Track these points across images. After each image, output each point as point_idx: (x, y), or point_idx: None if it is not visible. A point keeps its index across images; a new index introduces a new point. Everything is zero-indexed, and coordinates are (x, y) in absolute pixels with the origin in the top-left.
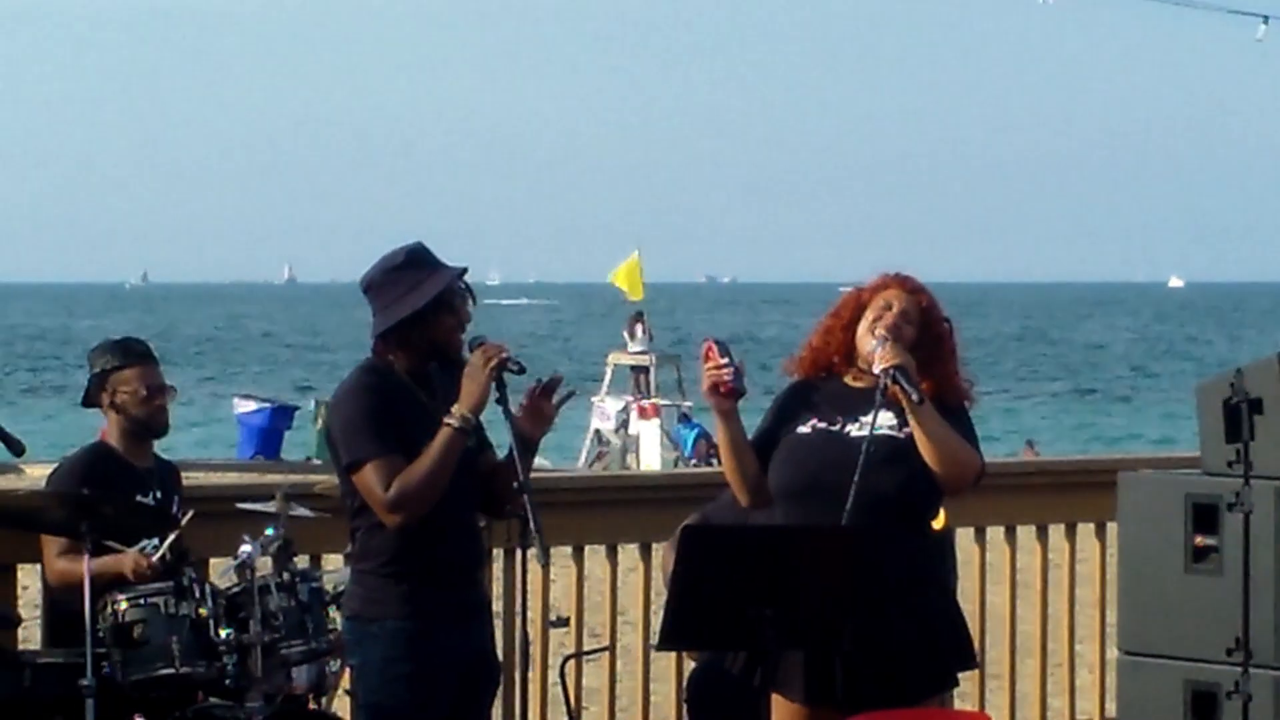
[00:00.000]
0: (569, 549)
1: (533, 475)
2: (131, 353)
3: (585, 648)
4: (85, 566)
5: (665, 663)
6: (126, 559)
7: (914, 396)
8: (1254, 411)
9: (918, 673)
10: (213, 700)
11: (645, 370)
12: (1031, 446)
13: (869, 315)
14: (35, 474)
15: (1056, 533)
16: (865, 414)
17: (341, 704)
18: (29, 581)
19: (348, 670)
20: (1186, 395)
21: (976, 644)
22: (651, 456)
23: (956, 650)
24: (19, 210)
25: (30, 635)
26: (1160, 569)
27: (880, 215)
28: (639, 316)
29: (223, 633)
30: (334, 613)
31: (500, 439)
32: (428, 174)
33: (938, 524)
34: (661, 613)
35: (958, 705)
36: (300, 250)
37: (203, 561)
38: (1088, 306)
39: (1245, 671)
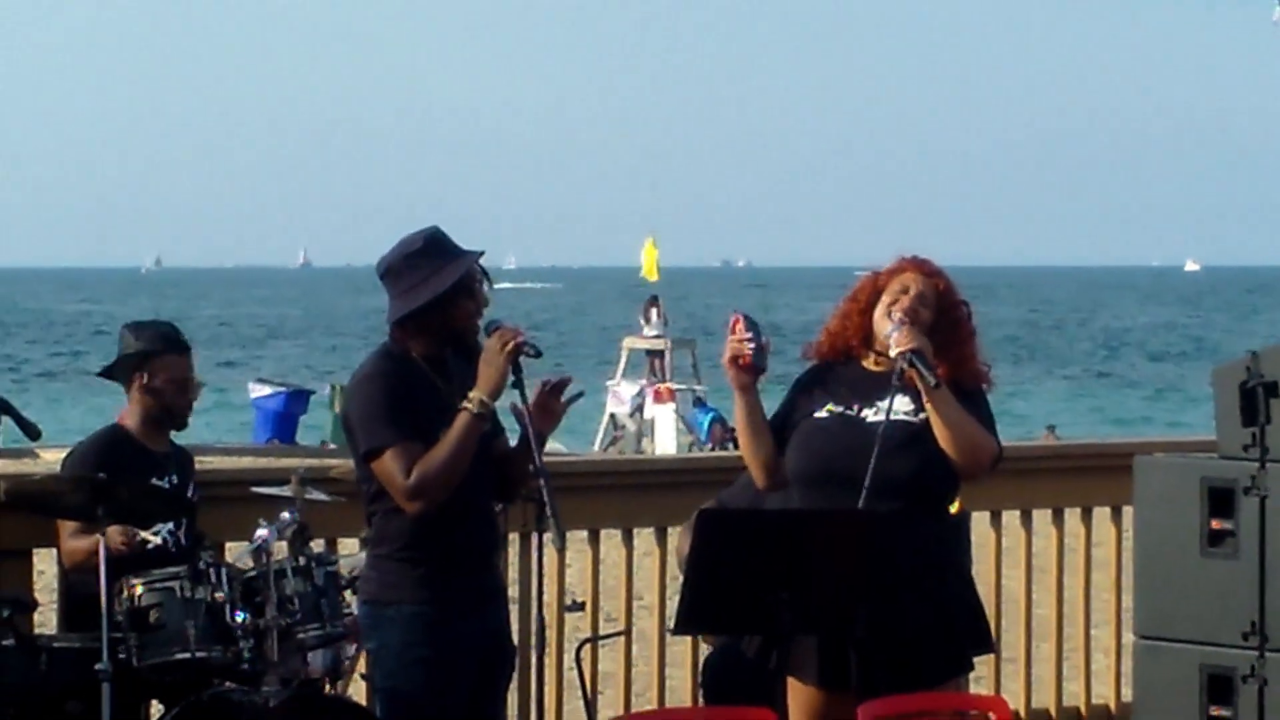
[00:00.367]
0: (584, 533)
1: (547, 459)
2: (175, 342)
3: (601, 632)
4: (101, 549)
5: (681, 647)
6: (114, 531)
7: (930, 380)
8: (1270, 395)
9: (933, 657)
10: (228, 684)
11: (660, 354)
12: (1052, 431)
13: (886, 299)
14: (50, 458)
15: (1072, 516)
16: (882, 398)
17: (357, 688)
18: (45, 566)
19: (363, 654)
20: (1203, 379)
21: (992, 628)
22: (666, 441)
23: (972, 634)
24: (32, 195)
25: (46, 619)
26: (1176, 553)
27: (896, 200)
28: (654, 300)
29: (239, 617)
30: (350, 597)
31: (512, 423)
32: (444, 159)
33: (953, 508)
34: (677, 597)
35: (973, 689)
36: (316, 234)
37: (219, 545)
38: (1103, 291)
39: (1261, 655)
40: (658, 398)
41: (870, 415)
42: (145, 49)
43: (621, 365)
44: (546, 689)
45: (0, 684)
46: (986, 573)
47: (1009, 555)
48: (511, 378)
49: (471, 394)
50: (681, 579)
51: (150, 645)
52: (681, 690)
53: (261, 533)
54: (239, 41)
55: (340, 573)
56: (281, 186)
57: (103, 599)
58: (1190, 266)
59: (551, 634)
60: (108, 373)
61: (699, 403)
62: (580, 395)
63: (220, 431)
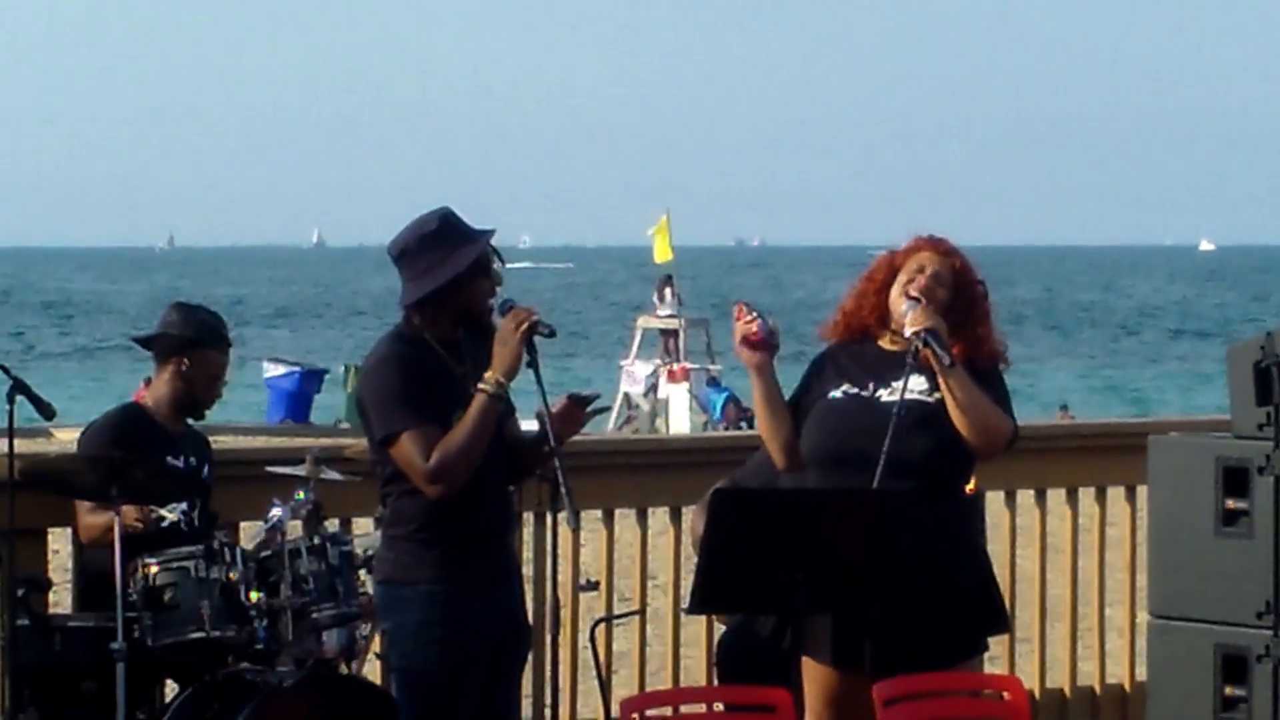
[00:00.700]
0: (599, 513)
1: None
2: (220, 336)
3: (615, 611)
4: (116, 527)
5: (695, 626)
6: (128, 509)
7: (945, 360)
8: None
9: (947, 638)
10: (243, 664)
11: (674, 334)
12: (1066, 411)
13: (902, 278)
14: (64, 437)
15: (1086, 496)
16: (897, 378)
17: (372, 668)
18: (59, 545)
19: (378, 634)
20: (1217, 359)
21: (1007, 608)
22: (680, 420)
23: (987, 615)
24: (40, 174)
25: (61, 599)
26: (1190, 532)
27: (909, 179)
28: (668, 280)
29: (253, 596)
30: (364, 576)
31: (523, 406)
32: (459, 138)
33: (968, 487)
34: (691, 576)
35: (987, 669)
36: (329, 214)
37: (233, 525)
38: (1119, 270)
39: (1276, 634)
40: (671, 377)
41: (885, 395)
42: (158, 28)
43: (635, 345)
44: (561, 669)
45: (15, 663)
46: (1001, 552)
47: (1023, 535)
48: (526, 357)
49: (487, 375)
50: (696, 558)
51: (165, 625)
52: (696, 670)
53: (276, 512)
54: (252, 20)
55: (355, 552)
56: (295, 165)
57: (117, 579)
58: (1205, 246)
59: (566, 613)
60: (145, 343)
61: (713, 382)
62: (602, 411)
63: (234, 411)
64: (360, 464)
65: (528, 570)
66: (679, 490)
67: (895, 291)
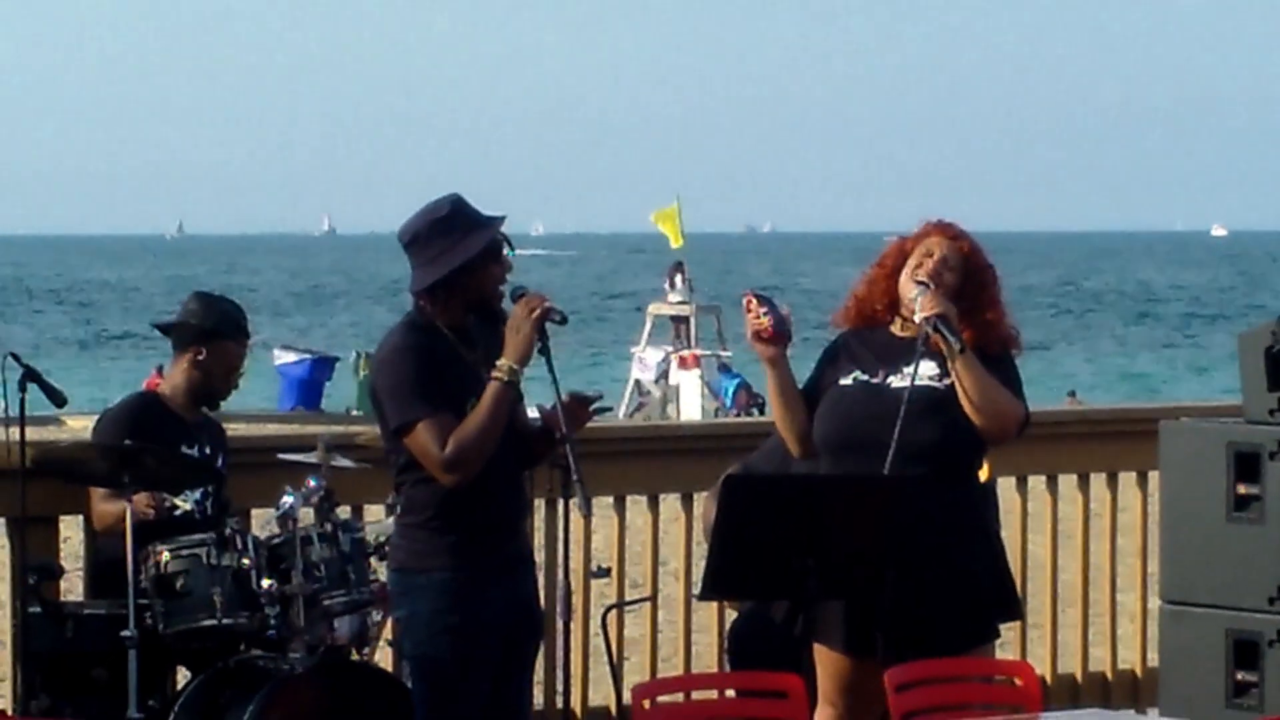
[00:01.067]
0: (610, 499)
1: None
2: (240, 328)
3: (626, 598)
4: (128, 520)
5: (707, 613)
6: (141, 496)
7: (955, 345)
8: None
9: (958, 625)
10: (255, 651)
11: (685, 320)
12: (1074, 396)
13: (911, 263)
14: (76, 425)
15: (1098, 482)
16: (908, 364)
17: (383, 655)
18: (71, 533)
19: (390, 621)
20: (1229, 344)
21: (1019, 595)
22: (692, 407)
23: (999, 602)
24: (52, 162)
25: (73, 586)
26: (1202, 518)
27: (921, 164)
28: (679, 266)
29: (265, 583)
30: (376, 563)
31: (535, 393)
32: (471, 125)
33: (983, 474)
34: (703, 563)
35: (999, 654)
36: (340, 201)
37: (245, 512)
38: (1129, 255)
39: None
40: (683, 364)
41: (895, 381)
42: (168, 17)
43: (646, 331)
44: (572, 655)
45: (27, 651)
46: (1012, 538)
47: (1035, 520)
48: (538, 344)
49: (500, 362)
50: (707, 545)
51: (176, 612)
52: (707, 656)
53: (287, 499)
54: (262, 7)
55: (366, 539)
56: (306, 153)
57: (129, 566)
58: (1217, 231)
59: (577, 600)
60: (164, 330)
61: (724, 368)
62: (607, 410)
63: (245, 398)
64: (371, 451)
65: (539, 556)
66: (690, 477)
67: (905, 277)
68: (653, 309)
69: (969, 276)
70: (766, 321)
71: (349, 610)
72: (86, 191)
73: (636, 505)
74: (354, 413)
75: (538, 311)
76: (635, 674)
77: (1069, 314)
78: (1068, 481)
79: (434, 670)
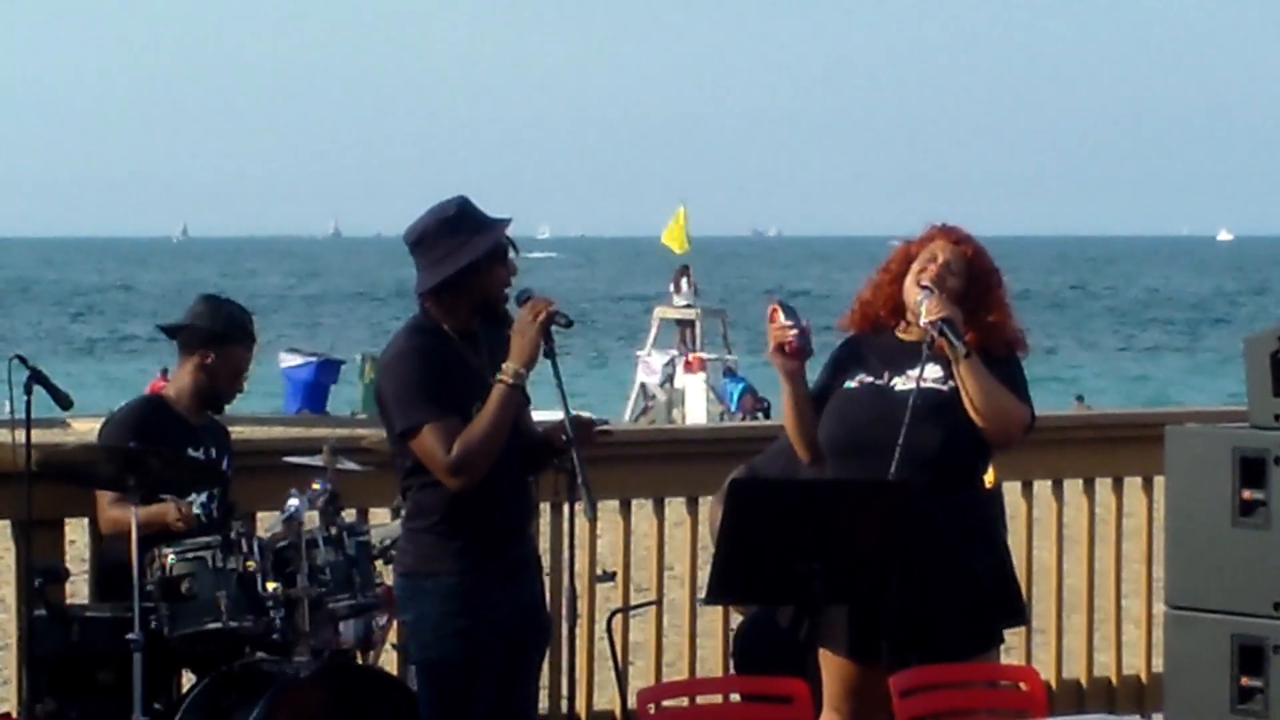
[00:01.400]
0: (615, 503)
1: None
2: (246, 332)
3: (632, 602)
4: (133, 521)
5: (712, 617)
6: (170, 508)
7: (960, 349)
8: None
9: (962, 630)
10: (260, 654)
11: (691, 324)
12: (1081, 401)
13: (915, 267)
14: (82, 428)
15: (1103, 486)
16: (913, 368)
17: (389, 658)
18: (76, 536)
19: (395, 625)
20: (1234, 348)
21: (1024, 600)
22: (697, 410)
23: (1003, 607)
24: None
25: (78, 589)
26: (1207, 523)
27: (927, 169)
28: (684, 270)
29: (270, 587)
30: (381, 567)
31: (540, 397)
32: (477, 128)
33: (988, 479)
34: (708, 567)
35: (1004, 659)
36: (346, 204)
37: (250, 515)
38: (1135, 260)
39: None
40: (688, 367)
41: (900, 384)
42: (172, 18)
43: (652, 335)
44: (578, 659)
45: (32, 654)
46: (1017, 543)
47: (1040, 525)
48: (544, 347)
49: (506, 365)
50: (713, 548)
51: (182, 615)
52: (712, 660)
53: (293, 502)
54: (268, 8)
55: (372, 543)
56: (312, 155)
57: (134, 569)
58: (1223, 236)
59: (583, 604)
60: (171, 333)
61: (729, 372)
62: (609, 434)
63: (250, 401)
64: (377, 454)
65: (545, 560)
66: (696, 480)
67: (909, 281)
68: (658, 312)
69: (973, 280)
70: (792, 335)
71: (354, 614)
72: (93, 194)
73: (642, 509)
74: (359, 415)
75: (543, 315)
76: (640, 678)
77: (1075, 318)
78: (1073, 486)
79: (441, 674)
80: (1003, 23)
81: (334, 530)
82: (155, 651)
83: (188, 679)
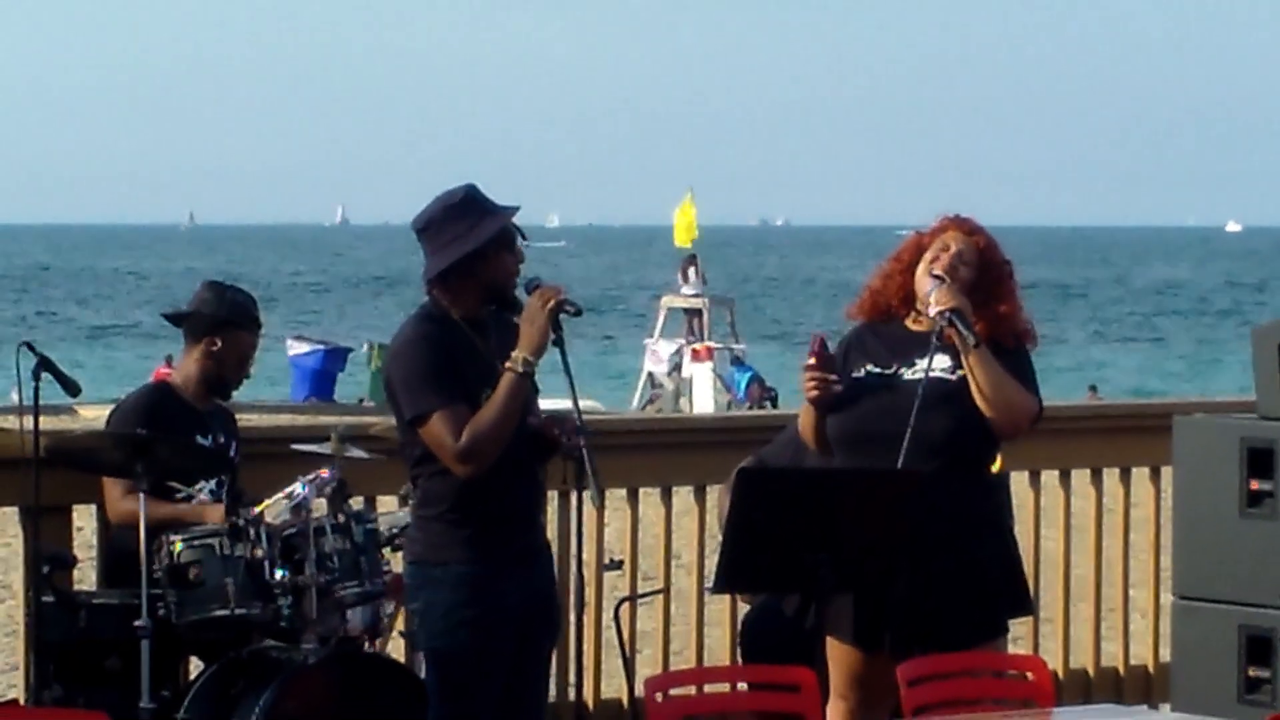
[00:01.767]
0: (623, 492)
1: (585, 418)
2: (252, 317)
3: (639, 590)
4: (141, 507)
5: (719, 606)
6: (213, 512)
7: (970, 340)
8: None
9: (968, 619)
10: (267, 642)
11: (698, 313)
12: (1094, 391)
13: (927, 257)
14: (89, 415)
15: (1111, 477)
16: (921, 357)
17: (396, 646)
18: (84, 522)
19: (402, 612)
20: (1243, 340)
21: (1030, 589)
22: (704, 399)
23: (1009, 597)
24: (59, 153)
25: (85, 576)
26: (1215, 513)
27: (935, 159)
28: (692, 259)
29: (278, 574)
30: (389, 554)
31: (547, 386)
32: (485, 116)
33: (994, 467)
34: (715, 556)
35: (1011, 649)
36: (353, 192)
37: (257, 503)
38: (1143, 251)
39: None
40: (695, 356)
41: (908, 374)
42: (183, 7)
43: (659, 324)
44: (585, 647)
45: (40, 640)
46: (1025, 533)
47: (1047, 515)
48: (552, 335)
49: (515, 353)
50: (720, 537)
51: (189, 602)
52: (719, 649)
53: (300, 490)
54: None
55: (379, 530)
56: (319, 143)
57: (142, 556)
58: (1232, 227)
59: (590, 592)
60: (176, 320)
61: (737, 361)
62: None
63: (258, 389)
64: (384, 442)
65: (553, 549)
66: (703, 470)
67: (921, 270)
68: (666, 301)
69: (984, 271)
70: (833, 391)
71: (361, 601)
72: (101, 182)
73: (649, 498)
74: (366, 403)
75: (552, 303)
76: (647, 667)
77: (1086, 309)
78: (1081, 476)
79: (450, 662)
80: (1012, 13)
81: (341, 518)
82: (163, 638)
83: (195, 666)
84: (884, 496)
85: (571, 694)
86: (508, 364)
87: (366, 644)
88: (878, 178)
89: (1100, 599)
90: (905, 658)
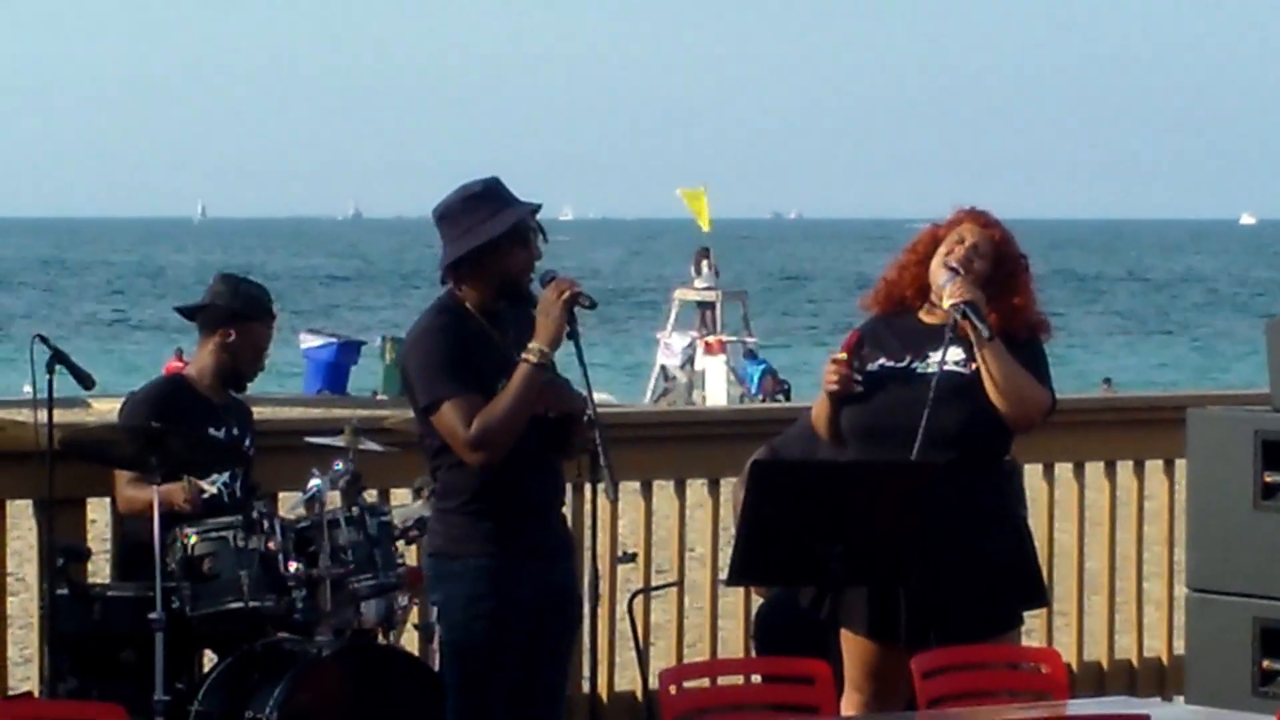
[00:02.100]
0: (636, 484)
1: (599, 411)
2: (266, 309)
3: (653, 583)
4: (154, 501)
5: (733, 598)
6: (177, 488)
7: (983, 333)
8: None
9: (981, 611)
10: (281, 634)
11: (711, 306)
12: (1109, 384)
13: (942, 249)
14: (102, 408)
15: (1125, 469)
16: (935, 350)
17: (410, 638)
18: (98, 515)
19: (416, 605)
20: (1255, 332)
21: (1045, 582)
22: (717, 392)
23: (1023, 589)
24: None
25: (99, 568)
26: (1229, 506)
27: (948, 152)
28: (705, 252)
29: (292, 567)
30: (403, 547)
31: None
32: (500, 109)
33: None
34: (729, 548)
35: (1025, 642)
36: (366, 185)
37: (272, 495)
38: (1157, 243)
39: None
40: (708, 349)
41: (921, 367)
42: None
43: (672, 316)
44: (599, 639)
45: (54, 632)
46: (1039, 525)
47: (1061, 508)
48: (567, 328)
49: (530, 345)
50: (734, 530)
51: (204, 595)
52: (733, 641)
53: (315, 483)
54: None
55: (393, 523)
56: (332, 136)
57: (156, 548)
58: (1246, 219)
59: (604, 585)
60: (188, 313)
61: (750, 354)
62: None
63: (271, 382)
64: (399, 435)
65: None
66: (716, 462)
67: (935, 262)
68: (679, 294)
69: (999, 264)
70: (856, 390)
71: (375, 594)
72: (113, 175)
73: (663, 490)
74: (379, 396)
75: (567, 295)
76: (661, 659)
77: (1100, 302)
78: (1095, 469)
79: (468, 654)
80: (1024, 5)
81: (356, 510)
82: (177, 631)
83: (209, 659)
84: (897, 489)
85: (585, 686)
86: (523, 355)
87: (380, 637)
88: (892, 171)
89: (1114, 591)
90: (917, 649)
